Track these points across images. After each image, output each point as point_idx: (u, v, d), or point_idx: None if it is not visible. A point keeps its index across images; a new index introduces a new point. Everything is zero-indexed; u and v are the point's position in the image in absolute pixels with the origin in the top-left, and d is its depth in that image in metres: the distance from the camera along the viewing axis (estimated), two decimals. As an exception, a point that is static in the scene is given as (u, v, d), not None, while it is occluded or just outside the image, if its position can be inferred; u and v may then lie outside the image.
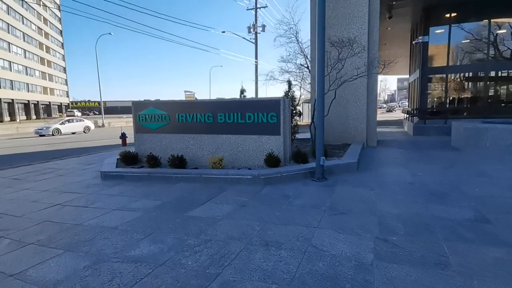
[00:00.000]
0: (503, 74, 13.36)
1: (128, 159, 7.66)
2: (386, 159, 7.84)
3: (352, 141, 9.66)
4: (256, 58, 28.32)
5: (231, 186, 5.58)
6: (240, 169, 6.47)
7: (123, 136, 14.22)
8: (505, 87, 13.55)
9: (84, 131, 26.79)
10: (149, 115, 7.83)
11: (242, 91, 11.20)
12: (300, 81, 12.65)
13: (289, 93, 8.25)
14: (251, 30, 28.61)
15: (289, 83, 8.48)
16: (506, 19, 12.29)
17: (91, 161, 9.49)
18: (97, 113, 76.48)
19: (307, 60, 13.09)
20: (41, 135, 23.73)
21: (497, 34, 12.43)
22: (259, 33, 28.49)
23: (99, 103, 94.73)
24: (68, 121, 26.51)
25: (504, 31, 12.46)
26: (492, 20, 12.21)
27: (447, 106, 13.16)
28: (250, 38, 28.71)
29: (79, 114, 66.00)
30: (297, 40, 12.75)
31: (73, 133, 25.99)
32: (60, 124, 25.40)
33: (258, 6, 28.27)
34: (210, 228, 3.69)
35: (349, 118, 9.75)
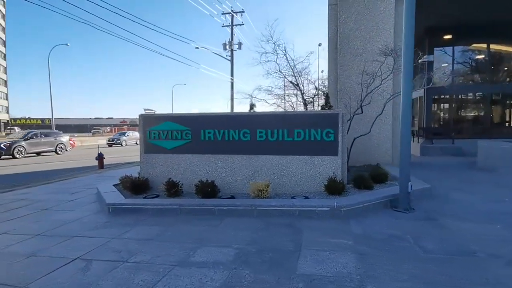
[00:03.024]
0: (506, 95, 14.07)
1: (137, 186, 6.02)
2: (432, 182, 7.14)
3: (374, 162, 8.95)
4: (232, 75, 27.45)
5: (303, 222, 4.34)
6: (295, 197, 5.25)
7: (100, 157, 12.09)
8: (509, 109, 14.24)
9: None
10: (163, 132, 6.33)
11: (252, 106, 10.09)
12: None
13: (326, 107, 7.30)
14: (227, 47, 27.83)
15: (327, 96, 7.55)
16: (503, 46, 13.02)
17: (72, 188, 7.52)
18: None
19: (297, 77, 12.50)
20: None
21: (497, 57, 13.08)
22: (235, 50, 27.84)
23: (42, 120, 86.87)
24: None
25: (503, 54, 13.18)
26: (490, 45, 12.82)
27: (453, 126, 13.35)
28: (226, 55, 27.87)
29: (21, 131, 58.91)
30: (286, 58, 12.16)
31: None
32: None
33: (234, 23, 27.76)
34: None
35: (372, 137, 9.08)
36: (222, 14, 27.74)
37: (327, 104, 7.30)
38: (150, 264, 3.18)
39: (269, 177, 5.82)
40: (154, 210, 5.09)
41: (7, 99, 63.87)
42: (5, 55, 63.15)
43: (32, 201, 6.24)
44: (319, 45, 36.86)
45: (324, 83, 13.59)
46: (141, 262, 3.22)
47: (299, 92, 13.16)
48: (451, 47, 14.33)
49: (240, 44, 28.13)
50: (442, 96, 13.87)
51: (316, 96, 13.80)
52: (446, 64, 15.69)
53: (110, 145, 30.96)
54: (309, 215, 4.51)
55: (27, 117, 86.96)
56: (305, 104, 12.23)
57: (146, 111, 52.73)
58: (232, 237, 3.87)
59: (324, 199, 5.04)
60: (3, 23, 62.34)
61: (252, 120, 6.04)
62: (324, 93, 7.73)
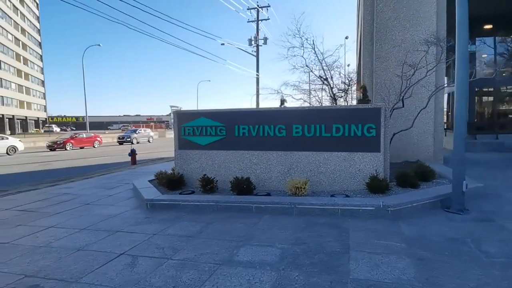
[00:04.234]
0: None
1: (173, 182, 6.05)
2: (482, 181, 6.64)
3: (413, 158, 8.48)
4: (257, 70, 27.29)
5: (347, 222, 4.14)
6: (335, 196, 5.04)
7: (133, 153, 12.42)
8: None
9: (8, 153, 20.16)
10: (198, 128, 6.31)
11: (282, 101, 9.90)
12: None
13: (364, 101, 6.97)
14: (252, 42, 27.69)
15: (364, 89, 7.23)
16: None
17: (109, 184, 7.73)
18: (74, 128, 72.54)
19: (326, 71, 12.01)
20: None
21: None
22: (261, 45, 27.63)
23: (76, 118, 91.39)
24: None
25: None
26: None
27: (497, 120, 12.49)
28: (252, 51, 27.73)
29: (58, 129, 62.20)
30: (315, 51, 11.70)
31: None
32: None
33: (259, 18, 27.54)
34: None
35: (411, 132, 8.61)
36: (247, 9, 27.56)
37: (364, 98, 6.99)
38: (195, 262, 3.13)
39: (306, 174, 5.65)
40: (191, 207, 5.08)
41: (44, 98, 67.60)
42: (41, 56, 66.77)
43: (74, 195, 6.46)
44: (346, 38, 35.83)
45: (350, 77, 12.97)
46: (185, 260, 3.18)
47: (326, 87, 12.74)
48: (493, 37, 13.33)
49: (265, 39, 27.90)
50: (485, 89, 12.95)
51: (345, 92, 13.29)
52: (486, 55, 14.65)
53: (120, 143, 29.64)
54: (352, 214, 4.30)
55: (62, 115, 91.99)
56: (334, 99, 11.83)
57: (172, 108, 53.78)
58: (274, 236, 3.76)
59: (367, 197, 4.80)
60: (38, 25, 65.88)
61: (287, 115, 5.87)
62: (361, 87, 7.36)
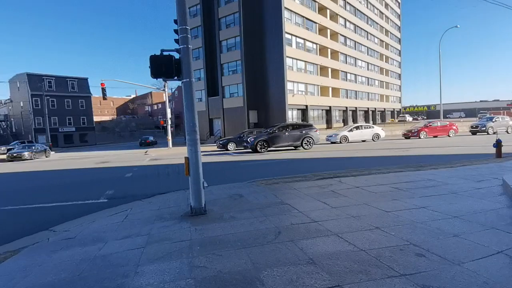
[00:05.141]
0: None
1: None
2: None
3: None
4: None
5: None
6: None
7: (499, 145, 10.62)
8: None
9: (373, 139, 24.69)
10: None
11: None
12: None
13: None
14: None
15: None
16: None
17: (473, 176, 7.15)
18: (425, 117, 73.69)
19: None
20: (332, 142, 24.11)
21: None
22: None
23: (428, 107, 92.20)
24: (357, 128, 24.97)
25: None
26: None
27: None
28: None
29: (410, 118, 66.54)
30: None
31: (363, 140, 24.67)
32: (349, 131, 24.47)
33: None
34: None
35: None
36: None
37: None
38: None
39: None
40: None
41: (400, 90, 74.69)
42: (399, 51, 73.77)
43: (439, 182, 6.69)
44: None
45: None
46: None
47: None
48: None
49: None
50: None
51: None
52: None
53: (473, 133, 26.66)
54: None
55: (414, 105, 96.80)
56: None
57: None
58: None
59: None
60: (398, 23, 72.84)
61: None
62: None
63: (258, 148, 18.89)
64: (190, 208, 5.50)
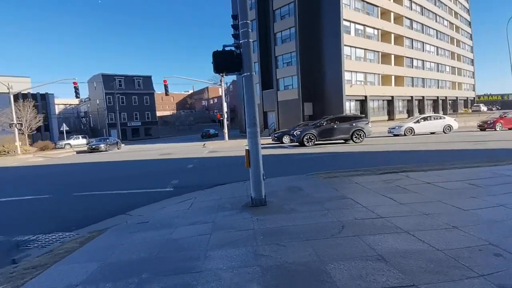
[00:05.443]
0: None
1: None
2: None
3: None
4: None
5: None
6: None
7: None
8: None
9: (444, 131, 22.12)
10: None
11: None
12: None
13: None
14: None
15: None
16: None
17: None
18: (499, 108, 64.74)
19: None
20: (395, 135, 22.27)
21: None
22: None
23: (502, 96, 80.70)
24: (425, 119, 22.84)
25: None
26: None
27: None
28: None
29: (485, 108, 59.11)
30: None
31: (432, 133, 22.28)
32: (415, 123, 22.45)
33: None
34: None
35: None
36: None
37: None
38: None
39: None
40: None
41: (473, 77, 66.69)
42: (471, 35, 65.74)
43: (526, 180, 5.87)
44: None
45: None
46: None
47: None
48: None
49: None
50: None
51: None
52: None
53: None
54: None
55: (488, 93, 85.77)
56: None
57: None
58: None
59: None
60: (467, 5, 64.76)
61: None
62: None
63: (305, 142, 18.43)
64: (251, 199, 5.63)
